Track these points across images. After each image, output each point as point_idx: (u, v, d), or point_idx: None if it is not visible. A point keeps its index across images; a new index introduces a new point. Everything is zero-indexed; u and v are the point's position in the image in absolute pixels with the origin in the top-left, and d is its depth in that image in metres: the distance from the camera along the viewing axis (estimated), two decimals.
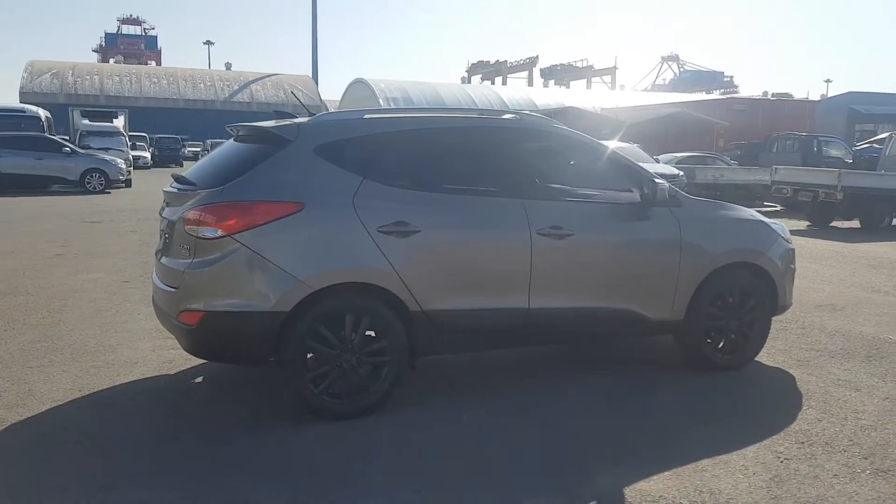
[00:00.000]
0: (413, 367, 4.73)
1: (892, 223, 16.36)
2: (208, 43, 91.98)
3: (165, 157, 44.24)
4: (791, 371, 5.60)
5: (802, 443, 4.26)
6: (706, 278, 5.33)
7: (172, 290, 4.49)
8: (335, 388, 4.45)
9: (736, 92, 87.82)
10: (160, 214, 4.94)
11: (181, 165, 42.01)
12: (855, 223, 16.63)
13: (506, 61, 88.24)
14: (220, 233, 4.24)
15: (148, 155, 41.41)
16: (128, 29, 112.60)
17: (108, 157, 23.98)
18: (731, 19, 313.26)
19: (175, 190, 4.77)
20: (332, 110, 42.24)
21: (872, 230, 15.60)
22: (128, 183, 25.40)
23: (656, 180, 5.18)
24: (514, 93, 62.61)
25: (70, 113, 32.56)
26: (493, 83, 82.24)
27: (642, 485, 3.73)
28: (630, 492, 3.67)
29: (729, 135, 32.26)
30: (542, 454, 4.11)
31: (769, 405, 4.94)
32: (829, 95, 59.19)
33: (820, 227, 16.28)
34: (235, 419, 4.55)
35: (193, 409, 4.78)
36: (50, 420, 4.50)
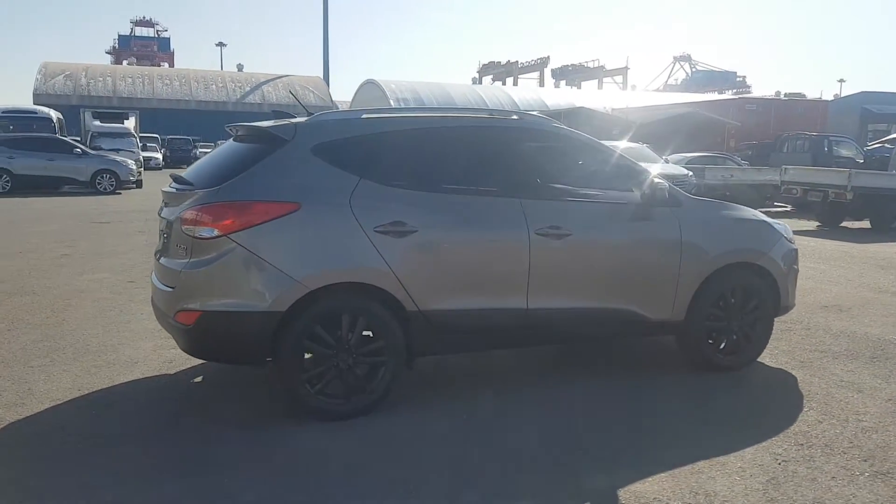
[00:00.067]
0: (410, 367, 4.73)
1: None
2: (220, 45, 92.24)
3: (177, 158, 44.40)
4: (793, 372, 5.56)
5: (801, 445, 4.23)
6: (707, 279, 5.29)
7: (170, 289, 4.50)
8: (331, 388, 4.45)
9: (749, 92, 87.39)
10: (159, 215, 4.95)
11: None
12: (865, 223, 16.50)
13: (517, 62, 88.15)
14: (216, 232, 4.24)
15: (159, 156, 41.60)
16: (141, 31, 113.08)
17: (118, 158, 24.11)
18: (744, 19, 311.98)
19: (173, 190, 4.78)
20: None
21: (883, 230, 15.47)
22: (138, 184, 25.53)
23: (656, 180, 5.15)
24: (525, 93, 62.57)
25: (81, 114, 32.74)
26: (503, 84, 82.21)
27: (637, 486, 3.71)
28: (624, 493, 3.65)
29: (740, 135, 32.10)
30: (536, 455, 4.09)
31: (769, 406, 4.90)
32: (843, 95, 58.79)
33: (830, 228, 16.17)
34: (233, 419, 4.55)
35: (192, 408, 4.79)
36: (48, 419, 4.51)
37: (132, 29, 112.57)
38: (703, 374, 5.44)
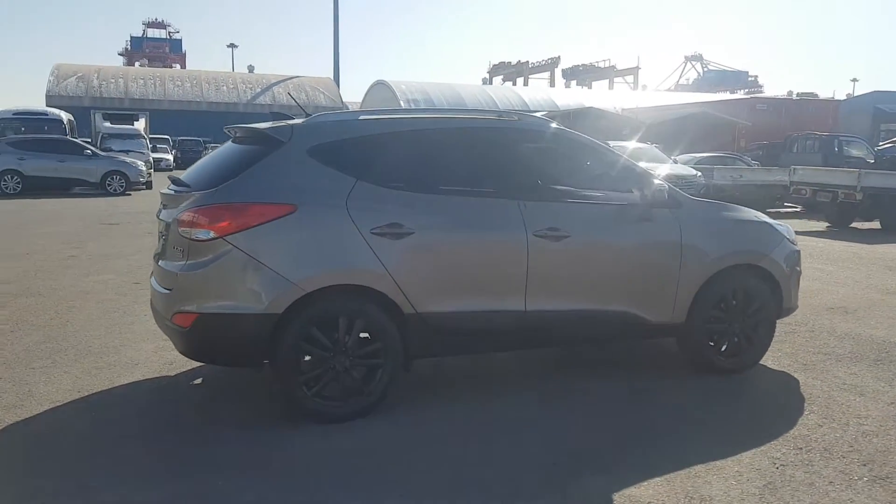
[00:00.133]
0: (408, 369, 4.72)
1: None
2: (232, 46, 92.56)
3: (188, 159, 44.42)
4: (796, 375, 5.52)
5: (800, 448, 4.19)
6: (708, 280, 5.26)
7: (167, 292, 4.51)
8: (329, 390, 4.45)
9: (760, 92, 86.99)
10: (157, 217, 4.96)
11: None
12: (875, 224, 16.37)
13: (527, 62, 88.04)
14: (212, 234, 4.25)
15: (170, 157, 41.73)
16: (153, 32, 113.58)
17: (128, 160, 24.21)
18: (756, 19, 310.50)
19: (172, 192, 4.79)
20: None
21: (893, 231, 15.32)
22: (148, 185, 25.63)
23: (655, 181, 5.12)
24: (535, 93, 62.46)
25: (92, 116, 32.91)
26: (514, 84, 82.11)
27: (632, 490, 3.69)
28: (619, 497, 3.63)
29: (751, 135, 31.93)
30: (532, 458, 4.07)
31: (770, 410, 4.86)
32: (855, 95, 58.37)
33: (839, 229, 16.05)
34: (232, 421, 4.56)
35: (190, 410, 4.79)
36: (47, 421, 4.53)
37: (144, 31, 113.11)
38: (703, 376, 5.40)
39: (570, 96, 61.51)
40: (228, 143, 5.07)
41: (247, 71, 74.46)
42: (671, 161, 20.34)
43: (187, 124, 53.45)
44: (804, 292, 8.21)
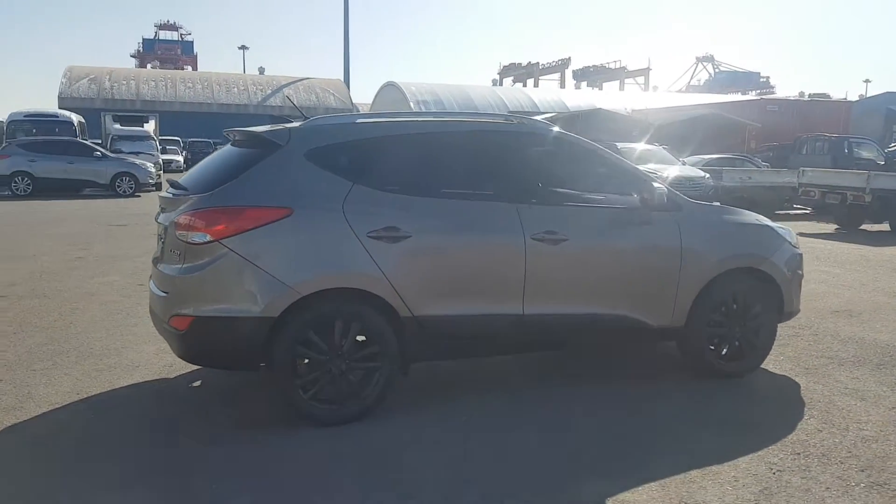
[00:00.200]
0: (405, 373, 4.71)
1: None
2: (243, 48, 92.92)
3: (198, 161, 44.37)
4: (797, 379, 5.48)
5: (798, 454, 4.16)
6: (708, 284, 5.23)
7: (164, 295, 4.52)
8: (325, 393, 4.44)
9: (772, 93, 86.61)
10: (156, 220, 4.98)
11: None
12: (885, 226, 16.24)
13: (538, 63, 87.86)
14: (208, 238, 4.25)
15: (181, 158, 41.92)
16: (165, 34, 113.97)
17: (137, 161, 24.34)
18: (768, 19, 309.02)
19: (170, 195, 4.80)
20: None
21: None
22: (157, 186, 25.71)
23: (655, 185, 5.10)
24: (545, 94, 62.40)
25: (102, 118, 33.11)
26: (524, 85, 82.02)
27: (626, 495, 3.67)
28: (613, 502, 3.62)
29: (761, 136, 31.77)
30: (527, 462, 4.06)
31: (769, 414, 4.83)
32: (868, 96, 57.96)
33: (848, 231, 15.95)
34: (228, 424, 4.57)
35: (188, 413, 4.80)
36: (45, 423, 4.55)
37: (156, 33, 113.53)
38: (704, 380, 5.37)
39: (580, 97, 61.40)
40: (227, 147, 5.08)
41: (257, 73, 74.59)
42: (680, 163, 20.26)
43: (198, 126, 53.59)
44: (809, 295, 8.20)
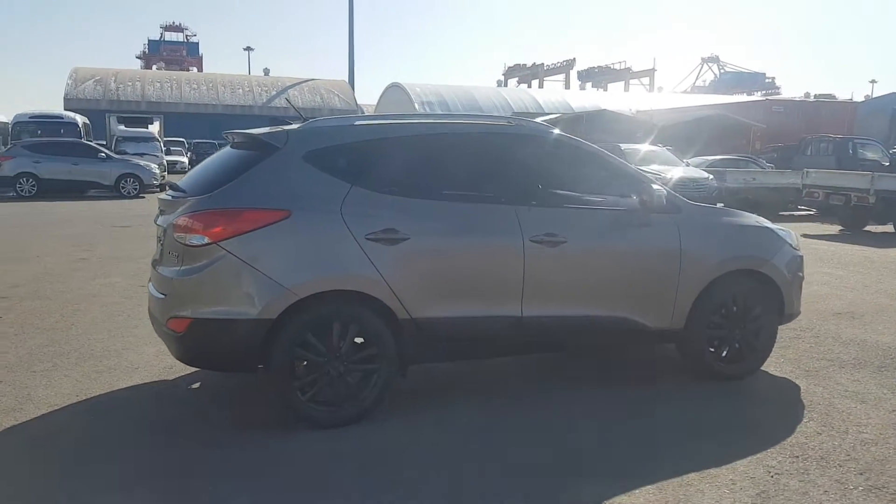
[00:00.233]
0: (403, 375, 4.71)
1: None
2: (248, 49, 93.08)
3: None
4: (797, 381, 5.46)
5: (797, 457, 4.14)
6: (708, 286, 5.22)
7: (162, 297, 4.53)
8: (323, 395, 4.44)
9: (778, 93, 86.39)
10: (155, 222, 4.98)
11: None
12: (889, 227, 16.17)
13: (542, 64, 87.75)
14: (206, 240, 4.26)
15: (185, 159, 42.00)
16: (170, 36, 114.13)
17: (142, 163, 24.39)
18: (774, 20, 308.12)
19: (169, 197, 4.81)
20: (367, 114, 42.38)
21: None
22: (162, 187, 25.75)
23: (654, 186, 5.09)
24: (550, 95, 62.38)
25: (107, 119, 33.20)
26: (529, 86, 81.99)
27: (622, 498, 3.67)
28: None
29: (766, 137, 31.69)
30: (525, 464, 4.05)
31: (768, 417, 4.82)
32: (874, 96, 57.69)
33: (852, 232, 15.89)
34: (227, 425, 4.57)
35: (187, 414, 4.81)
36: (43, 425, 4.56)
37: (162, 34, 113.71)
38: (704, 383, 5.36)
39: (584, 98, 61.34)
40: (226, 149, 5.09)
41: (262, 74, 74.69)
42: (683, 164, 20.22)
43: (203, 127, 53.68)
44: (812, 297, 8.19)
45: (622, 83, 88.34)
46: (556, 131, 5.25)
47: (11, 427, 4.49)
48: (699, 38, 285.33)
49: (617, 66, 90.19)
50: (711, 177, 18.64)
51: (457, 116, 5.61)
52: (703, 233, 5.27)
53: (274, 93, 63.50)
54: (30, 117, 27.90)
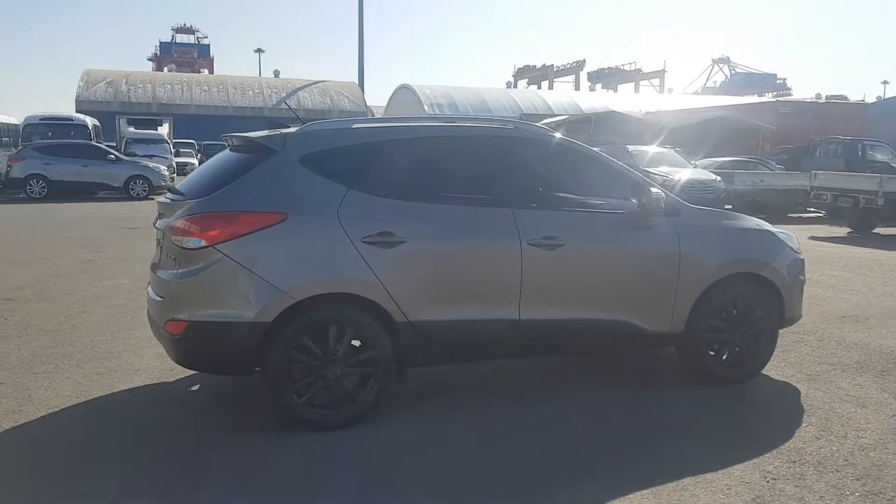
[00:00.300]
0: (401, 378, 4.72)
1: None
2: (259, 51, 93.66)
3: None
4: (798, 385, 5.43)
5: (794, 462, 4.12)
6: (707, 289, 5.20)
7: (160, 299, 4.55)
8: (320, 398, 4.45)
9: (789, 94, 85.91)
10: (154, 225, 5.01)
11: None
12: None
13: (552, 65, 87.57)
14: (203, 243, 4.28)
15: (196, 161, 42.14)
16: (182, 38, 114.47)
17: (151, 164, 24.53)
18: (785, 20, 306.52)
19: (167, 201, 4.83)
20: (377, 116, 42.49)
21: None
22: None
23: (652, 190, 5.08)
24: (559, 96, 62.23)
25: (117, 121, 33.37)
26: (539, 87, 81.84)
27: (617, 503, 3.65)
28: None
29: (776, 138, 31.52)
30: (517, 469, 4.04)
31: (767, 421, 4.79)
32: (886, 97, 57.36)
33: (861, 234, 15.79)
34: (223, 428, 4.58)
35: (185, 417, 4.83)
36: (42, 427, 4.58)
37: (173, 36, 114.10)
38: (703, 386, 5.34)
39: (594, 99, 61.20)
40: (225, 152, 5.10)
41: (273, 76, 74.93)
42: (691, 165, 20.16)
43: (214, 129, 53.51)
44: (816, 300, 8.16)
45: (632, 84, 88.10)
46: (557, 135, 5.26)
47: (11, 428, 4.52)
48: (710, 40, 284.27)
49: (627, 68, 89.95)
50: (719, 179, 18.59)
51: (455, 119, 5.61)
52: (702, 236, 5.25)
53: (284, 94, 63.68)
54: (40, 119, 28.11)
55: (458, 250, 4.70)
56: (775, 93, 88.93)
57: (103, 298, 8.19)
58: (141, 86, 59.98)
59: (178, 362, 4.61)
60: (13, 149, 26.31)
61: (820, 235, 15.40)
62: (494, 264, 4.76)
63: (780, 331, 5.69)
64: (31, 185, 22.39)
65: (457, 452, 4.25)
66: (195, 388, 5.35)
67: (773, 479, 3.91)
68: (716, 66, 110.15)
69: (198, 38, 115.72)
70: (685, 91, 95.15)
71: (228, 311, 4.31)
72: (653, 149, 20.84)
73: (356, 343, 4.53)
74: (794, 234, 5.87)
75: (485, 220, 4.76)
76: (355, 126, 4.89)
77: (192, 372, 5.44)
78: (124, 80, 59.66)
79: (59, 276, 9.55)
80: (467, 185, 4.87)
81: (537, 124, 5.53)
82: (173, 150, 32.04)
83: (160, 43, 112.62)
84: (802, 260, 5.74)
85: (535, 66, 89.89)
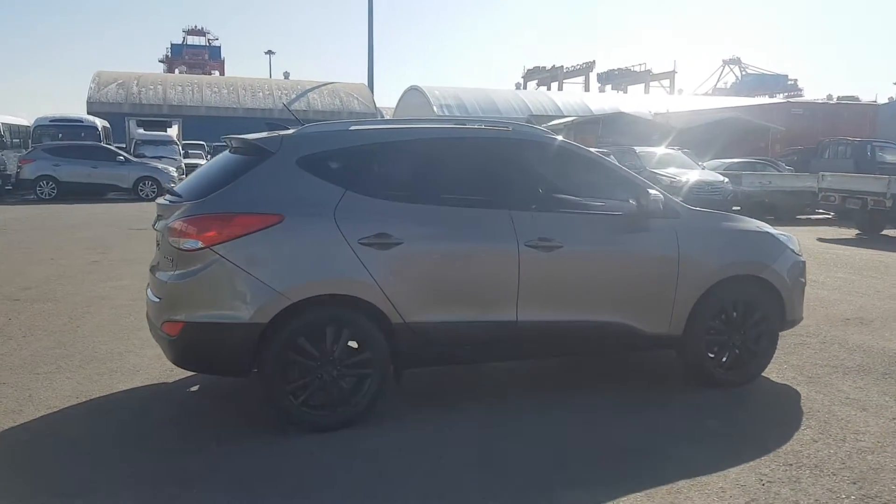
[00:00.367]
0: (397, 379, 4.72)
1: None
2: (269, 52, 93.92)
3: None
4: (798, 388, 5.41)
5: (790, 465, 4.10)
6: (707, 292, 5.18)
7: (158, 300, 4.57)
8: (315, 399, 4.46)
9: (800, 95, 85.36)
10: (153, 227, 5.03)
11: None
12: None
13: (562, 66, 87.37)
14: (199, 244, 4.29)
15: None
16: (193, 40, 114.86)
17: (159, 166, 24.62)
18: (797, 21, 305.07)
19: (167, 202, 4.85)
20: (387, 117, 42.56)
21: None
22: None
23: (651, 191, 5.06)
24: (569, 98, 62.11)
25: (126, 123, 33.52)
26: (548, 88, 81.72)
27: None
28: None
29: (786, 140, 31.35)
30: (512, 471, 4.04)
31: (766, 424, 4.77)
32: None
33: (869, 236, 15.69)
34: (219, 429, 4.59)
35: (182, 417, 4.86)
36: (41, 427, 4.61)
37: (184, 38, 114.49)
38: (702, 389, 5.32)
39: (604, 101, 61.03)
40: (224, 153, 5.12)
41: (283, 77, 75.12)
42: (699, 167, 20.09)
43: (224, 130, 52.79)
44: (821, 302, 8.13)
45: (642, 86, 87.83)
46: (552, 136, 5.25)
47: (9, 428, 4.54)
48: (721, 41, 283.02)
49: (637, 69, 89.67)
50: (727, 180, 18.52)
51: (454, 121, 5.60)
52: (701, 238, 5.24)
53: (294, 96, 63.80)
54: (50, 121, 28.29)
55: (454, 252, 4.70)
56: (786, 94, 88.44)
57: (108, 299, 8.23)
58: (152, 87, 60.19)
59: (174, 363, 4.63)
60: (23, 150, 26.47)
61: (828, 237, 15.33)
62: (491, 266, 4.76)
63: (783, 333, 5.67)
64: (40, 186, 22.55)
65: (456, 453, 4.26)
66: (194, 388, 5.37)
67: (768, 482, 3.90)
68: (726, 67, 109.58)
69: (209, 39, 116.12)
70: (695, 92, 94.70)
71: (225, 312, 4.32)
72: (660, 150, 20.80)
73: (353, 344, 4.53)
74: (794, 237, 5.84)
75: (482, 221, 4.75)
76: (352, 128, 4.89)
77: (192, 373, 5.47)
78: (135, 81, 59.89)
79: (65, 276, 9.61)
80: (464, 187, 4.87)
81: (537, 126, 5.50)
82: (182, 152, 32.12)
83: (171, 45, 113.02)
84: (803, 262, 5.71)
85: (544, 67, 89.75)
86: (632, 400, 5.16)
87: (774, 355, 5.61)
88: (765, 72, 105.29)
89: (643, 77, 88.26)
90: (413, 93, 58.66)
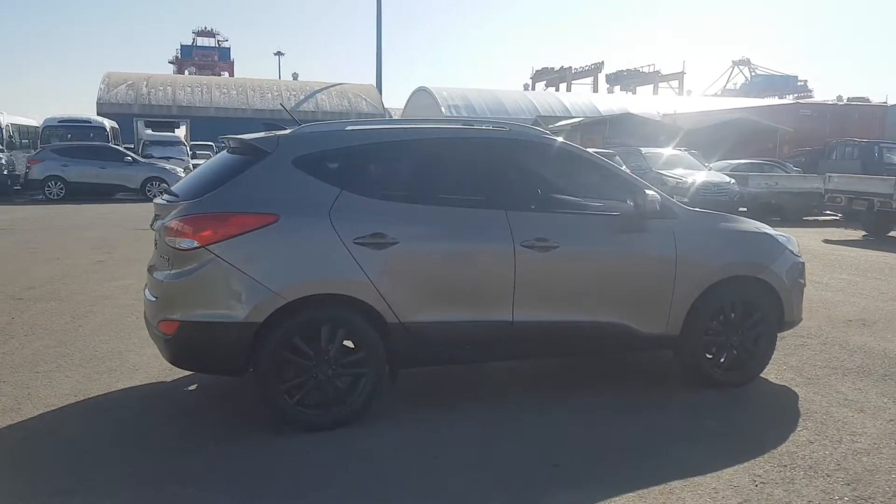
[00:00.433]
0: (393, 379, 4.73)
1: None
2: (279, 54, 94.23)
3: None
4: (797, 389, 5.39)
5: (785, 466, 4.09)
6: (704, 292, 5.17)
7: (154, 300, 4.59)
8: (311, 399, 4.47)
9: (810, 96, 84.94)
10: (151, 227, 5.05)
11: None
12: None
13: (570, 67, 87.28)
14: (195, 244, 4.31)
15: None
16: (202, 41, 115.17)
17: (167, 166, 24.70)
18: (807, 21, 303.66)
19: (164, 202, 4.87)
20: (396, 118, 42.57)
21: None
22: None
23: (648, 192, 5.06)
24: (577, 98, 62.07)
25: (134, 123, 33.65)
26: (557, 89, 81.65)
27: None
28: None
29: (795, 141, 31.22)
30: (505, 471, 4.05)
31: (762, 425, 4.76)
32: None
33: (875, 238, 15.61)
34: (216, 428, 4.61)
35: (180, 416, 4.87)
36: (39, 425, 4.64)
37: (194, 39, 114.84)
38: (701, 389, 5.31)
39: (612, 101, 60.95)
40: (222, 153, 5.15)
41: (291, 78, 75.31)
42: (706, 168, 20.03)
43: (233, 131, 52.58)
44: (824, 303, 8.11)
45: (651, 86, 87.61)
46: (552, 137, 5.25)
47: (8, 426, 4.57)
48: (731, 42, 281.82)
49: (646, 70, 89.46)
50: (733, 181, 18.46)
51: (452, 121, 5.62)
52: (699, 238, 5.23)
53: (302, 97, 63.93)
54: (59, 121, 28.42)
55: (450, 252, 4.71)
56: (796, 95, 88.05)
57: (111, 299, 8.27)
58: (161, 88, 60.40)
59: (170, 362, 4.64)
60: (32, 150, 26.62)
61: (834, 239, 15.27)
62: (487, 266, 4.76)
63: (783, 334, 5.66)
64: (49, 186, 22.68)
65: (454, 453, 4.27)
66: (192, 387, 5.39)
67: (762, 482, 3.89)
68: (736, 67, 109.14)
69: (218, 41, 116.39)
70: (704, 93, 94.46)
71: (220, 311, 4.34)
72: (667, 151, 20.75)
73: (348, 344, 4.54)
74: (794, 238, 5.82)
75: (478, 221, 4.76)
76: (348, 128, 4.91)
77: (190, 372, 5.49)
78: (145, 82, 60.10)
79: (70, 276, 9.66)
80: (460, 187, 4.88)
81: (535, 127, 5.50)
82: (190, 152, 32.25)
83: (181, 46, 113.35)
84: (802, 263, 5.69)
85: (552, 68, 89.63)
86: (631, 400, 5.16)
87: (774, 356, 5.60)
88: (774, 73, 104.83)
89: (652, 78, 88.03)
90: (421, 93, 58.74)
